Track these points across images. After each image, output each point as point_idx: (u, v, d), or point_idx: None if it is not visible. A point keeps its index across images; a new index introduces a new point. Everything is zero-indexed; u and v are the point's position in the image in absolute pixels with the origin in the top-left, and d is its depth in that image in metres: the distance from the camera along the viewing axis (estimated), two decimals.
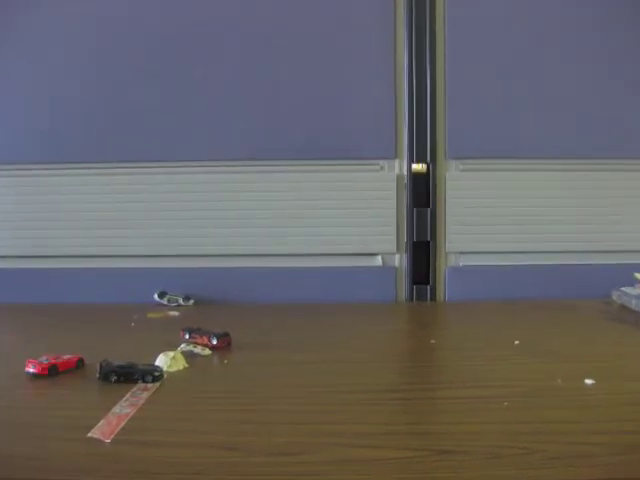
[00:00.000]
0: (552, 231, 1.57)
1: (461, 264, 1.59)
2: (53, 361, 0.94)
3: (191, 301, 1.50)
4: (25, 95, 1.58)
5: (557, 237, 1.57)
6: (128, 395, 0.84)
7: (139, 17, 1.57)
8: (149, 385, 0.88)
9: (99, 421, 0.74)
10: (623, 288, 1.43)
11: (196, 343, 1.08)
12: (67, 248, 1.59)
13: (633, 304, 1.36)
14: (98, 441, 0.69)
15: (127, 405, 0.80)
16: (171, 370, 0.95)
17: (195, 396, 0.86)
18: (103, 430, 0.72)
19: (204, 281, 1.57)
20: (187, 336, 1.11)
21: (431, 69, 1.56)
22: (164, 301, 1.49)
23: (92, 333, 1.24)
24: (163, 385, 0.89)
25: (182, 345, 1.06)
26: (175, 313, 1.41)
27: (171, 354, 0.99)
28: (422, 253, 1.59)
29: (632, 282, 1.43)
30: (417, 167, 1.58)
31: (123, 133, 1.57)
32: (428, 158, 1.57)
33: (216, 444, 0.69)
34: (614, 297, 1.45)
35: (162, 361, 0.97)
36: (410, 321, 1.46)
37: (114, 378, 0.89)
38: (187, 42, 1.56)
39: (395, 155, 1.57)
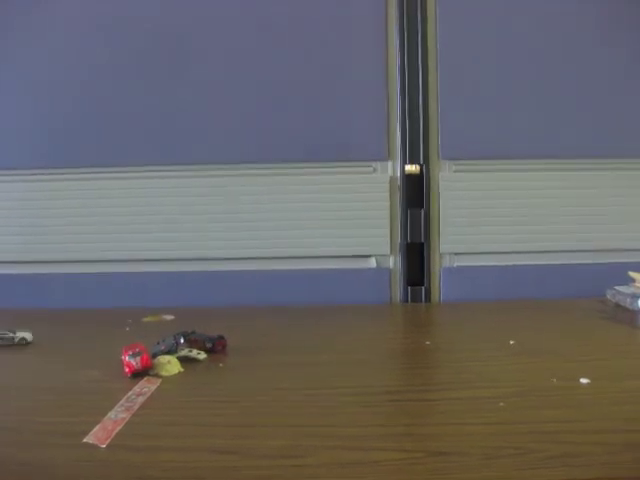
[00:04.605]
0: (546, 231, 1.58)
1: (455, 265, 1.59)
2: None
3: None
4: (24, 99, 1.58)
5: (551, 237, 1.58)
6: (123, 400, 0.83)
7: (137, 19, 1.56)
8: (145, 389, 0.88)
9: (95, 426, 0.74)
10: (617, 287, 1.43)
11: (191, 347, 1.08)
12: (61, 254, 1.58)
13: (628, 303, 1.36)
14: (94, 446, 0.69)
15: (122, 410, 0.80)
16: (167, 374, 0.95)
17: (191, 400, 0.86)
18: (99, 435, 0.71)
19: (199, 284, 1.57)
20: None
21: (423, 69, 1.56)
22: None
23: (88, 338, 1.24)
24: (158, 389, 0.89)
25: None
26: (170, 317, 1.40)
27: (167, 358, 0.99)
28: (416, 254, 1.59)
29: (626, 281, 1.44)
30: (410, 168, 1.58)
31: (121, 138, 1.57)
32: (421, 159, 1.57)
33: (213, 448, 0.69)
34: (608, 296, 1.45)
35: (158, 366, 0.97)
36: (405, 323, 1.46)
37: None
38: (183, 44, 1.56)
39: (388, 156, 1.57)
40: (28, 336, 1.18)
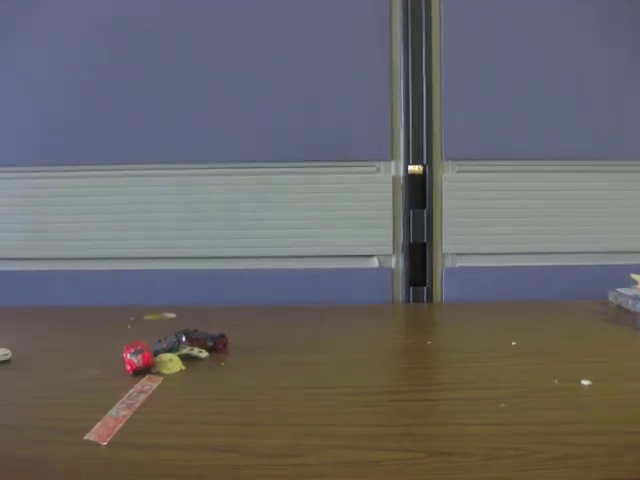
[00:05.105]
0: (549, 232, 1.57)
1: (458, 265, 1.59)
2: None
3: None
4: (25, 98, 1.58)
5: (553, 238, 1.58)
6: (124, 398, 0.83)
7: (137, 19, 1.56)
8: (146, 387, 0.88)
9: (95, 424, 0.74)
10: (619, 289, 1.43)
11: (193, 345, 1.07)
12: (63, 250, 1.59)
13: (630, 305, 1.36)
14: (94, 444, 0.69)
15: (124, 407, 0.80)
16: (168, 372, 0.95)
17: (192, 398, 0.86)
18: (99, 433, 0.71)
19: (200, 283, 1.57)
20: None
21: (427, 70, 1.56)
22: None
23: (89, 335, 1.24)
24: (160, 387, 0.89)
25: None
26: (171, 315, 1.40)
27: (168, 356, 0.99)
28: (419, 255, 1.59)
29: (629, 283, 1.43)
30: (413, 168, 1.58)
31: (121, 137, 1.57)
32: (424, 159, 1.57)
33: (213, 446, 0.69)
34: (610, 298, 1.45)
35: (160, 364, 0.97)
36: (406, 323, 1.46)
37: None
38: (183, 44, 1.56)
39: (391, 156, 1.57)
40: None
